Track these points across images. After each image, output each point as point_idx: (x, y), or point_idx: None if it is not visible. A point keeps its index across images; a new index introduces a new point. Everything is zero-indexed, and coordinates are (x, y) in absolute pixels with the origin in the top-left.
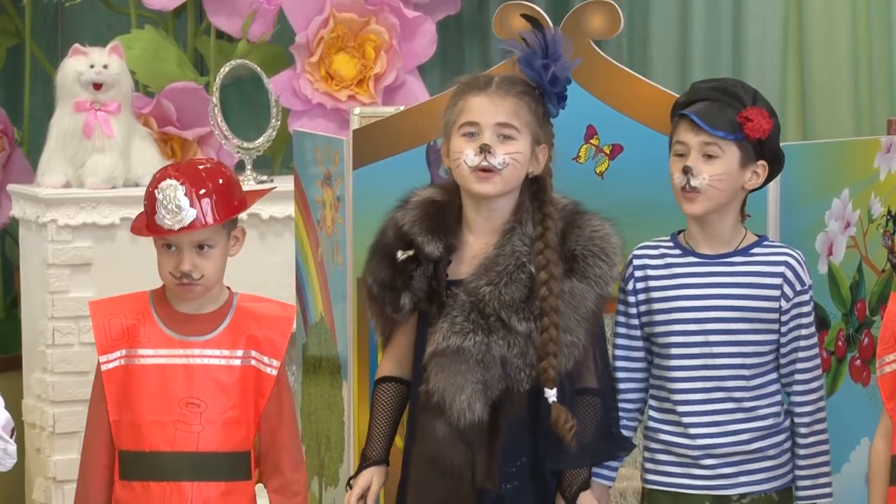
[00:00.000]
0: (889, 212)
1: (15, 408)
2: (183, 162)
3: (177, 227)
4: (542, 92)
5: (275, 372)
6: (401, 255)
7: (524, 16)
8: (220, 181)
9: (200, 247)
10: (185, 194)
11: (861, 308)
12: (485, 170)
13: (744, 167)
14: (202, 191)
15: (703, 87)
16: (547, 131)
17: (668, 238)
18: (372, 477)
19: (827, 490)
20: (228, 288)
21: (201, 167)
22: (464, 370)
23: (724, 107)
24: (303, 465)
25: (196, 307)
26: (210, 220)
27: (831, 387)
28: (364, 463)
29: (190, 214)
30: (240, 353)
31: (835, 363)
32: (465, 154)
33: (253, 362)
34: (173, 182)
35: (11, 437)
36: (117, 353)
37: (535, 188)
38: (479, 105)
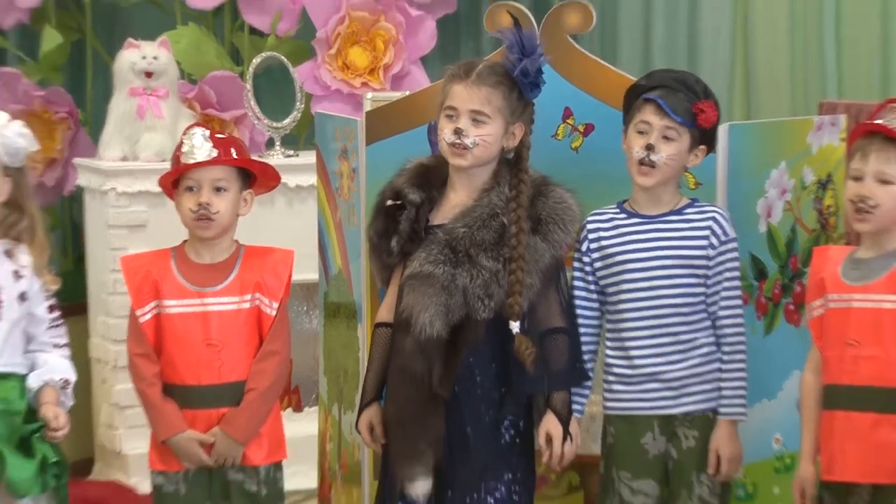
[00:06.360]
0: (819, 180)
1: (82, 346)
2: None
3: (200, 158)
4: (516, 81)
5: (274, 312)
6: (389, 202)
7: (510, 13)
8: (238, 144)
9: (217, 189)
10: (208, 137)
11: (794, 261)
12: (458, 146)
13: (691, 150)
14: (222, 136)
15: (665, 76)
16: (524, 112)
17: (615, 206)
18: (371, 415)
19: (741, 409)
20: (237, 241)
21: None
22: (430, 293)
23: (682, 96)
24: (283, 364)
25: (210, 256)
26: (227, 158)
27: (768, 327)
28: (362, 404)
29: (211, 151)
30: (248, 297)
31: (772, 308)
32: (445, 132)
33: (257, 303)
34: (198, 129)
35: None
36: (149, 306)
37: (513, 159)
38: (457, 93)
